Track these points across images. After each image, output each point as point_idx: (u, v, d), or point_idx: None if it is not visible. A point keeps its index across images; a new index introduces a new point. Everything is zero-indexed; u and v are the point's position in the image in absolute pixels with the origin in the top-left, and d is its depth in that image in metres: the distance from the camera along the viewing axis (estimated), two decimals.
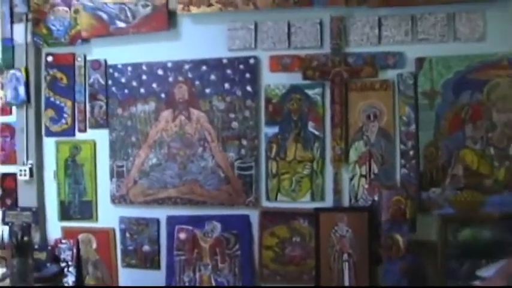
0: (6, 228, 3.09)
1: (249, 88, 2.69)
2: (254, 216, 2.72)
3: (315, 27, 2.63)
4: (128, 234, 2.92)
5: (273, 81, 2.69)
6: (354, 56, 2.59)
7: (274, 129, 2.68)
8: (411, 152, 2.53)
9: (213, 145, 2.73)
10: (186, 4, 2.72)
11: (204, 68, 2.75)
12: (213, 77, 2.73)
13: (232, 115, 2.70)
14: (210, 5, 2.69)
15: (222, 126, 2.72)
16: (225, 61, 2.72)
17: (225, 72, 2.71)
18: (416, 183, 2.51)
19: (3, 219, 3.12)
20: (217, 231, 2.76)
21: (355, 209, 2.60)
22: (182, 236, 2.81)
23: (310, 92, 2.64)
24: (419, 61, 2.51)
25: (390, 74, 2.57)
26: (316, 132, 2.64)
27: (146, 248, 2.90)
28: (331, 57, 2.60)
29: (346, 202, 2.63)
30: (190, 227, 2.79)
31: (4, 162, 3.18)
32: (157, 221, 2.86)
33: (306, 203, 2.66)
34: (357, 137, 2.61)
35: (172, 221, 2.83)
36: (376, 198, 2.56)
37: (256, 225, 2.72)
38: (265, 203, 2.71)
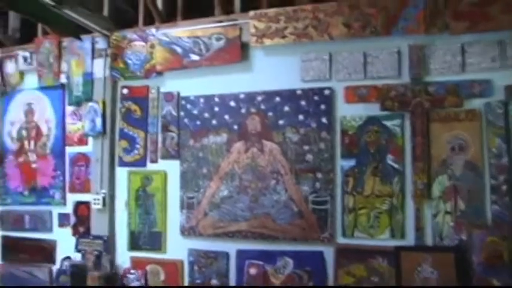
0: (79, 255, 3.16)
1: (323, 120, 2.62)
2: (329, 253, 2.59)
3: (393, 56, 2.54)
4: (196, 267, 2.87)
5: (349, 112, 2.60)
6: (435, 85, 2.46)
7: (351, 162, 2.57)
8: (503, 187, 2.32)
9: (286, 178, 2.66)
10: (260, 36, 2.74)
11: (277, 99, 2.72)
12: (286, 108, 2.69)
13: (306, 147, 2.63)
14: (284, 36, 2.69)
15: (295, 159, 2.65)
16: (299, 92, 2.68)
17: (299, 103, 2.67)
18: (511, 221, 2.28)
19: (76, 247, 3.19)
20: (290, 267, 2.65)
21: (440, 248, 2.40)
22: (252, 271, 2.72)
23: (388, 123, 2.52)
24: (510, 89, 2.34)
25: (477, 103, 2.41)
26: (396, 166, 2.50)
27: (214, 282, 2.83)
28: (411, 87, 2.49)
29: (429, 241, 2.44)
30: (261, 262, 2.70)
31: (79, 191, 3.28)
32: (227, 255, 2.80)
33: (385, 241, 2.49)
34: (440, 171, 2.44)
35: (242, 255, 2.75)
36: (464, 237, 2.36)
37: (331, 262, 2.58)
38: (341, 240, 2.58)
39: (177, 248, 2.93)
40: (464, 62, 2.44)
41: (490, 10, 2.35)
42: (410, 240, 2.47)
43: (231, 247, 2.79)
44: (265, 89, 2.76)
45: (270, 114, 2.72)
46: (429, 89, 2.47)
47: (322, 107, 2.62)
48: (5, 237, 3.58)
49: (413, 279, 2.38)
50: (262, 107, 2.74)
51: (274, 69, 2.77)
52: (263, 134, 2.73)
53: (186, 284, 2.91)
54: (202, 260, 2.85)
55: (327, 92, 2.63)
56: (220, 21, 2.89)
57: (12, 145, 3.60)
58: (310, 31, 2.64)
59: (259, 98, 2.76)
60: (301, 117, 2.66)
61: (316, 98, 2.64)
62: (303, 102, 2.66)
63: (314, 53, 2.67)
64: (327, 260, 2.59)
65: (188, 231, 2.88)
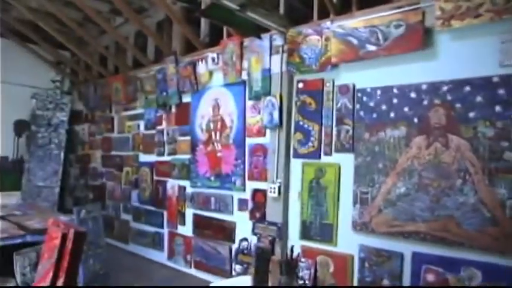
0: (255, 238, 3.43)
1: None
2: None
3: None
4: (367, 264, 2.79)
5: None
6: None
7: None
8: None
9: (477, 178, 2.33)
10: (447, 19, 2.45)
11: (467, 88, 2.40)
12: (479, 98, 2.35)
13: (504, 144, 2.25)
14: (478, 15, 2.35)
15: (489, 157, 2.30)
16: (495, 79, 2.31)
17: (496, 92, 2.30)
18: None
19: (252, 230, 3.47)
20: (478, 280, 2.33)
21: None
22: (430, 277, 2.49)
23: None
24: None
25: None
26: None
27: (386, 282, 2.70)
28: None
29: None
30: (441, 269, 2.45)
31: (257, 179, 3.55)
32: (401, 256, 2.63)
33: None
34: None
35: (419, 258, 2.55)
36: None
37: None
38: None
39: (348, 242, 2.90)
40: None
41: None
42: None
43: (407, 248, 2.61)
44: (452, 77, 2.46)
45: (458, 105, 2.42)
46: None
47: None
48: (195, 215, 4.15)
49: None
50: (449, 97, 2.46)
51: (464, 55, 2.45)
52: (449, 127, 2.45)
53: (355, 279, 2.86)
54: (374, 258, 2.75)
55: None
56: (400, 7, 2.70)
57: (202, 136, 4.12)
58: None
59: (445, 88, 2.48)
60: (498, 108, 2.28)
61: None
62: (501, 91, 2.28)
63: None
64: None
65: (360, 226, 2.81)
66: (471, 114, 2.38)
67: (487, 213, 2.30)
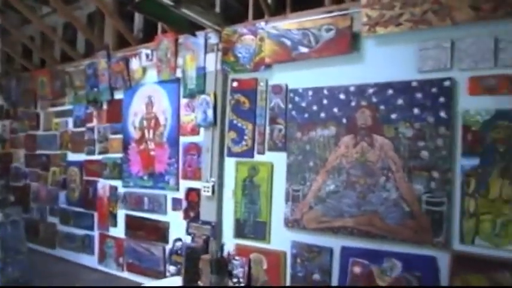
0: (189, 237, 3.39)
1: (442, 114, 2.39)
2: (443, 259, 2.37)
3: None
4: (299, 260, 2.87)
5: (473, 106, 2.33)
6: None
7: (474, 161, 2.31)
8: None
9: (398, 175, 2.50)
10: (372, 25, 2.60)
11: (389, 91, 2.56)
12: (400, 101, 2.52)
13: (421, 143, 2.44)
14: (399, 24, 2.51)
15: (409, 155, 2.47)
16: (414, 84, 2.48)
17: (414, 96, 2.47)
18: None
19: (186, 230, 3.42)
20: (398, 270, 2.49)
21: None
22: (357, 269, 2.62)
23: None
24: None
25: None
26: None
27: (316, 276, 2.80)
28: None
29: None
30: (366, 262, 2.59)
31: (190, 178, 3.51)
32: (331, 251, 2.75)
33: None
34: None
35: (346, 252, 2.67)
36: None
37: (445, 270, 2.36)
38: (458, 246, 2.34)
39: (281, 239, 2.96)
40: None
41: None
42: None
43: (336, 243, 2.73)
44: (377, 80, 2.61)
45: (382, 107, 2.57)
46: None
47: (441, 99, 2.40)
48: (128, 216, 4.00)
49: None
50: (374, 99, 2.61)
51: (387, 60, 2.61)
52: (374, 128, 2.60)
53: (288, 275, 2.93)
54: (305, 254, 2.84)
55: (446, 83, 2.39)
56: (331, 12, 2.81)
57: (134, 134, 3.99)
58: (430, 17, 2.42)
59: (371, 91, 2.62)
60: (416, 110, 2.46)
61: (434, 90, 2.42)
62: (418, 95, 2.46)
63: (433, 40, 2.45)
64: (440, 267, 2.38)
65: (292, 223, 2.89)
66: (393, 116, 2.54)
67: (407, 207, 2.47)
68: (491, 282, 2.23)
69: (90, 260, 4.38)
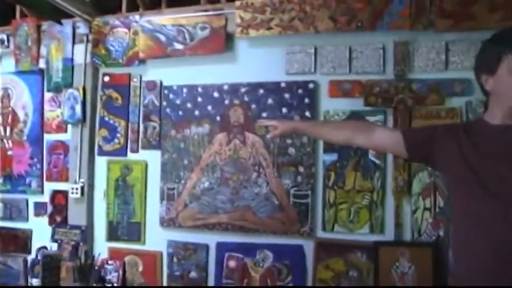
0: (55, 245, 3.10)
1: (307, 113, 2.60)
2: (308, 247, 2.59)
3: (378, 52, 2.53)
4: (175, 259, 2.85)
5: (332, 106, 2.59)
6: (418, 82, 2.46)
7: (333, 157, 2.57)
8: None
9: (268, 171, 2.64)
10: (245, 27, 2.70)
11: (260, 91, 2.69)
12: (270, 101, 2.66)
13: (289, 141, 2.61)
14: (269, 28, 2.66)
15: (278, 152, 2.63)
16: (283, 85, 2.65)
17: (283, 96, 2.64)
18: None
19: (52, 236, 3.12)
20: (269, 261, 2.64)
21: (418, 244, 2.43)
22: (232, 263, 2.71)
23: (371, 119, 2.52)
24: None
25: (458, 102, 2.43)
26: (377, 161, 2.51)
27: (193, 274, 2.81)
28: (395, 84, 2.49)
29: (407, 236, 2.46)
30: (240, 255, 2.69)
31: (56, 180, 3.20)
32: (207, 247, 2.78)
33: (364, 235, 2.51)
34: (420, 168, 2.45)
35: (222, 247, 2.74)
36: (441, 233, 2.39)
37: (310, 256, 2.59)
38: (321, 234, 2.58)
39: (156, 239, 2.90)
40: (447, 60, 2.44)
41: (474, 9, 2.35)
42: (389, 235, 2.48)
43: (211, 239, 2.77)
44: (249, 80, 2.72)
45: (254, 106, 2.70)
46: (412, 86, 2.47)
47: (306, 100, 2.61)
48: None
49: (391, 273, 2.41)
50: (246, 98, 2.71)
51: (258, 61, 2.74)
52: (246, 126, 2.70)
53: (164, 275, 2.88)
54: (182, 252, 2.83)
55: (311, 85, 2.61)
56: (206, 10, 2.83)
57: None
58: (296, 24, 2.61)
59: (243, 90, 2.72)
60: (284, 110, 2.64)
61: (300, 91, 2.62)
62: (286, 95, 2.64)
63: (299, 45, 2.65)
64: (307, 254, 2.60)
65: (168, 222, 2.85)
66: (264, 115, 2.67)
67: (276, 201, 2.63)
68: (348, 264, 2.51)
69: None
